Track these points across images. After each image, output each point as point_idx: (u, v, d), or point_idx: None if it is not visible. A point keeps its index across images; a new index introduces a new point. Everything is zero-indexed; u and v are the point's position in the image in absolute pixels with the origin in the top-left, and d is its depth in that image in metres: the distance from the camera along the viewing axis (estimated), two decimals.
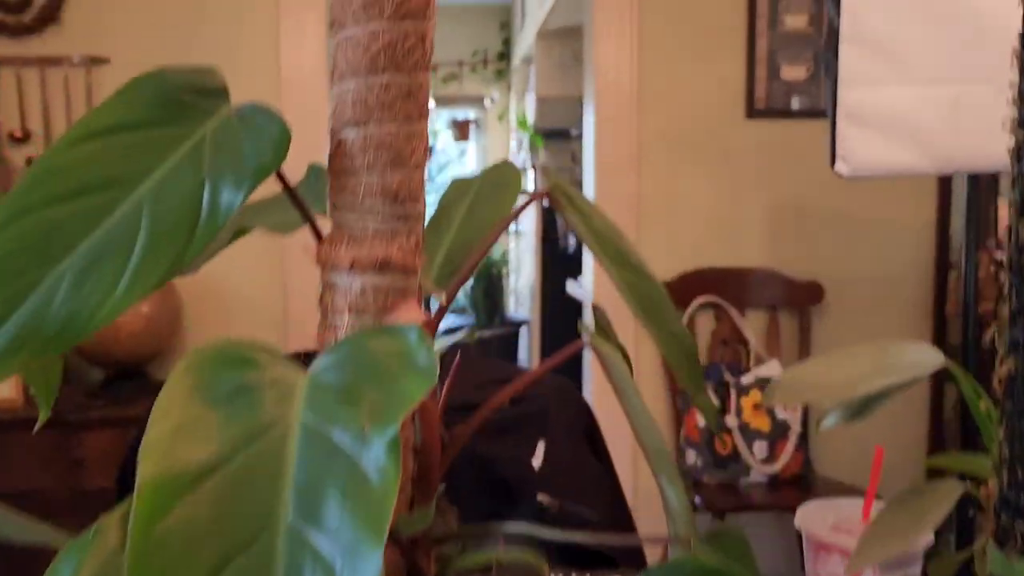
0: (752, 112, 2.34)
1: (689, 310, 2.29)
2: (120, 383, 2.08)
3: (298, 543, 0.30)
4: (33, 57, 2.18)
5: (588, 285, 2.55)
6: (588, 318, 2.74)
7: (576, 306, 3.11)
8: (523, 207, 0.50)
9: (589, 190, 2.51)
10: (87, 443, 2.02)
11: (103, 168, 0.39)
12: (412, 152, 0.40)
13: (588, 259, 2.64)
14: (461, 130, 5.60)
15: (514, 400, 1.06)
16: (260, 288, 2.27)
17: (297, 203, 0.44)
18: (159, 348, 2.11)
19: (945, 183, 2.34)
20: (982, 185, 2.21)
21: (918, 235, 2.40)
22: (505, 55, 5.33)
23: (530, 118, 4.17)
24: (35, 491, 2.00)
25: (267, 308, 2.28)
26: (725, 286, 2.32)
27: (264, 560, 0.29)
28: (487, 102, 5.47)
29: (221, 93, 0.42)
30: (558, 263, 3.96)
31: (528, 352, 4.38)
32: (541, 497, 1.01)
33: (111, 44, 2.19)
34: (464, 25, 5.26)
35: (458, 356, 0.54)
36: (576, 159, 4.40)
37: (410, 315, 0.37)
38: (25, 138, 2.20)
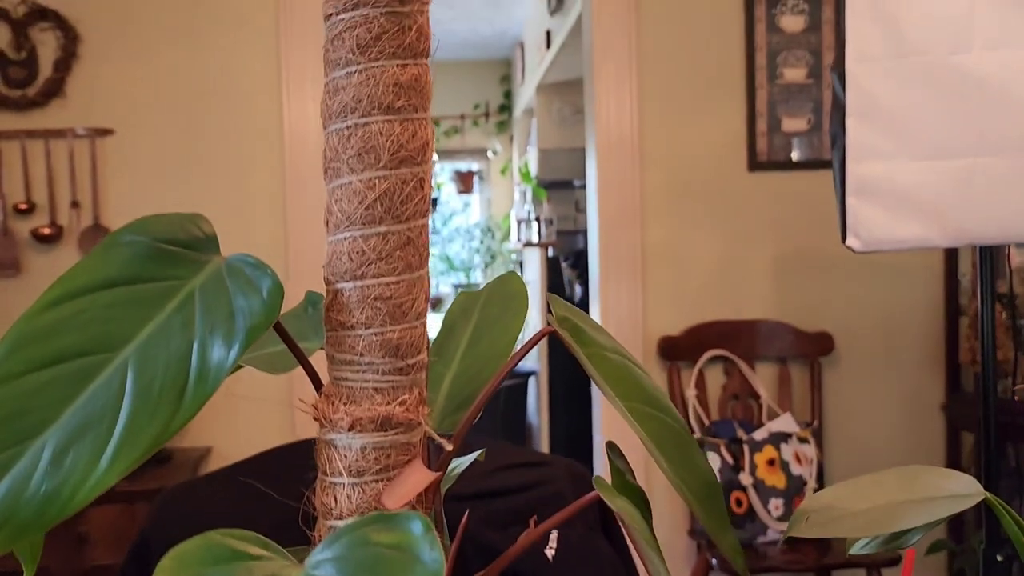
0: (754, 164, 2.34)
1: (699, 365, 2.26)
2: None
3: None
4: (38, 130, 2.19)
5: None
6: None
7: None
8: (529, 346, 0.48)
9: (593, 243, 2.50)
10: (92, 519, 1.99)
11: (84, 330, 0.38)
12: (413, 302, 0.38)
13: (594, 304, 2.61)
14: (465, 182, 5.62)
15: (533, 485, 1.03)
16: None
17: (291, 345, 0.42)
18: None
19: None
20: None
21: (926, 280, 2.38)
22: (507, 107, 5.38)
23: (533, 170, 4.18)
24: (39, 569, 1.96)
25: None
26: (734, 339, 2.30)
27: None
28: (490, 154, 5.50)
29: (210, 242, 0.40)
30: None
31: (536, 402, 4.34)
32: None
33: (115, 116, 2.20)
34: (465, 79, 5.32)
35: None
36: (580, 208, 4.40)
37: (416, 478, 0.35)
38: (30, 209, 2.21)
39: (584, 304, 3.79)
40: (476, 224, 5.90)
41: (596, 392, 2.60)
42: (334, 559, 0.31)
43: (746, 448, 2.09)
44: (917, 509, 0.44)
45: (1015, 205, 0.93)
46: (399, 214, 0.37)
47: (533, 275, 4.29)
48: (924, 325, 2.39)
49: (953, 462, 2.37)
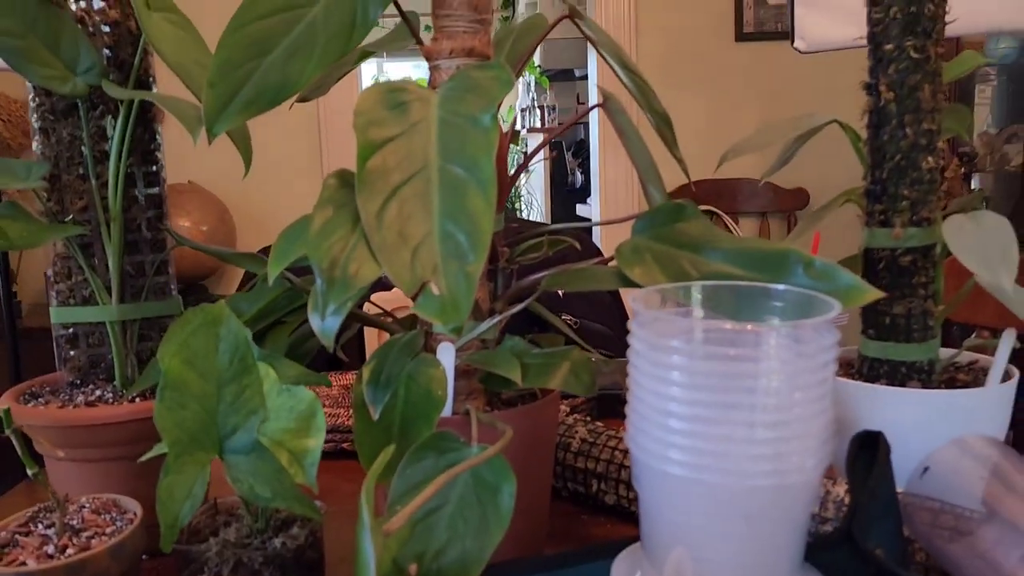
0: (741, 35, 2.56)
1: None
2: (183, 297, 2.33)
3: (444, 169, 0.54)
4: None
5: (596, 204, 2.78)
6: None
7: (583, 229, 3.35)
8: (551, 27, 0.74)
9: (594, 116, 2.74)
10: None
11: None
12: None
13: (595, 190, 2.87)
14: None
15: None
16: (304, 211, 2.51)
17: (411, 30, 0.68)
18: (216, 266, 2.37)
19: None
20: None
21: None
22: (511, 2, 5.51)
23: (536, 60, 4.37)
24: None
25: None
26: (720, 196, 2.56)
27: (427, 177, 0.54)
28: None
29: None
30: (566, 197, 4.19)
31: None
32: (565, 317, 1.27)
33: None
34: None
35: None
36: (581, 100, 4.61)
37: None
38: None
39: (585, 185, 4.04)
40: None
41: None
42: (452, 86, 0.57)
43: None
44: (793, 131, 0.71)
45: None
46: None
47: (537, 163, 4.52)
48: None
49: None
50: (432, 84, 0.67)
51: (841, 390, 0.68)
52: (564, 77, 4.38)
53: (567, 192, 4.23)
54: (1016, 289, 0.58)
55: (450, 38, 0.65)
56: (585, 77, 4.10)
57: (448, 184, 0.54)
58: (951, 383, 0.69)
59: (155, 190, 0.75)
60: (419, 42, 0.70)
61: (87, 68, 0.69)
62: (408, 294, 0.49)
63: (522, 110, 4.50)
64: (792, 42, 1.33)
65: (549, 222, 4.39)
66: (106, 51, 0.72)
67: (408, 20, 0.69)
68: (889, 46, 0.64)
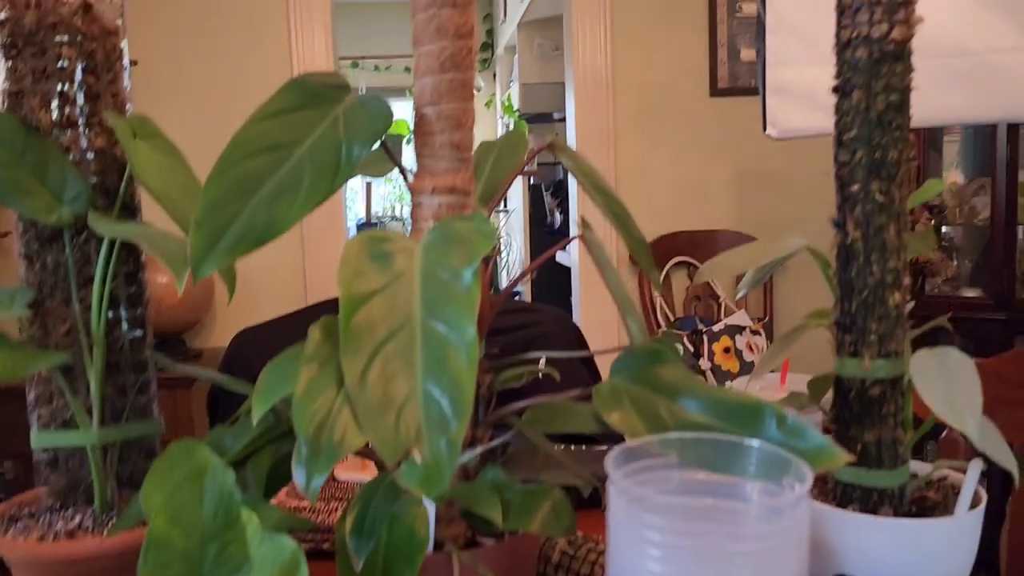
0: (715, 91, 2.61)
1: (665, 269, 2.56)
2: (160, 352, 2.32)
3: (427, 326, 0.55)
4: None
5: (575, 250, 2.81)
6: (580, 228, 3.02)
7: (563, 274, 3.37)
8: (533, 155, 0.76)
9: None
10: None
11: (277, 136, 0.65)
12: (466, 120, 0.65)
13: (574, 230, 2.89)
14: None
15: (524, 326, 1.32)
16: (282, 268, 2.52)
17: (391, 156, 0.70)
18: (194, 320, 2.36)
19: None
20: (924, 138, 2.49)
21: None
22: (489, 45, 5.58)
23: (515, 103, 4.42)
24: None
25: (289, 285, 2.53)
26: (696, 247, 2.60)
27: (411, 333, 0.55)
28: (474, 90, 5.71)
29: (346, 87, 0.67)
30: (545, 238, 4.22)
31: None
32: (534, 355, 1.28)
33: (138, 49, 2.43)
34: None
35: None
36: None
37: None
38: None
39: (564, 227, 4.07)
40: None
41: (576, 305, 2.90)
42: (435, 238, 0.58)
43: (705, 338, 2.40)
44: (767, 257, 0.73)
45: None
46: (458, 67, 0.64)
47: (516, 204, 4.55)
48: None
49: None
50: (414, 218, 0.68)
51: (815, 514, 0.70)
52: (542, 120, 4.43)
53: (547, 232, 4.26)
54: (982, 430, 0.60)
55: (432, 176, 0.66)
56: (563, 119, 4.14)
57: (431, 342, 0.55)
58: (922, 502, 0.71)
59: (138, 311, 0.76)
60: (399, 167, 0.71)
61: (74, 196, 0.70)
62: (391, 463, 0.50)
63: None
64: (764, 129, 1.37)
65: (529, 261, 4.41)
66: (92, 178, 0.72)
67: (389, 149, 0.70)
68: (855, 187, 0.66)
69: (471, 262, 0.57)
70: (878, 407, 0.68)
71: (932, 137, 2.76)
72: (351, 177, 0.66)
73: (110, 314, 0.73)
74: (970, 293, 2.58)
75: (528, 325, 1.31)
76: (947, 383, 0.61)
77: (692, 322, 2.47)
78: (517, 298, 4.63)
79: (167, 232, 0.70)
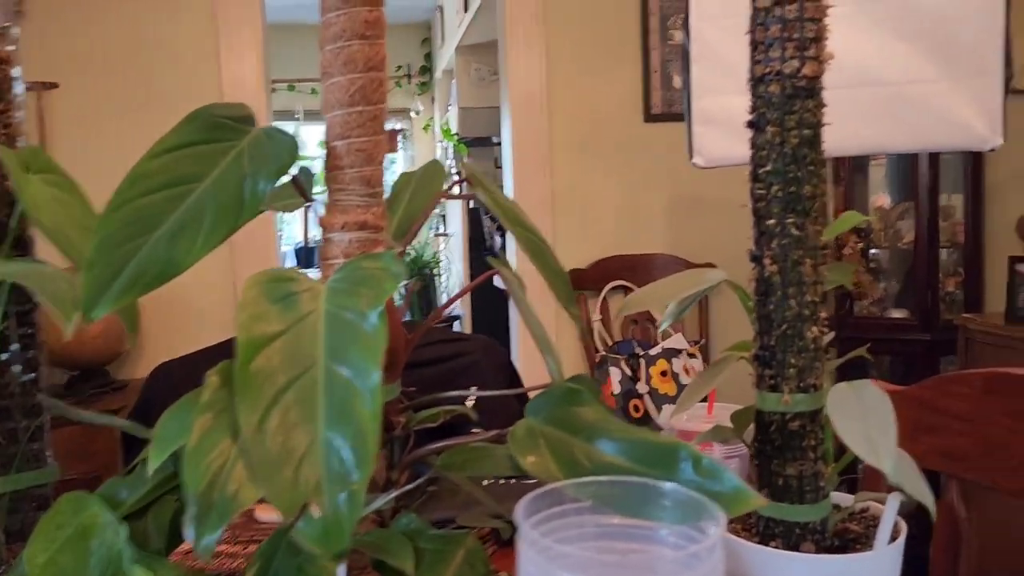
0: (649, 116, 2.63)
1: (603, 293, 2.57)
2: (82, 383, 2.23)
3: (330, 371, 0.53)
4: None
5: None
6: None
7: (502, 299, 3.35)
8: (450, 187, 0.74)
9: (509, 191, 2.77)
10: (53, 440, 2.17)
11: (177, 171, 0.62)
12: (377, 153, 0.63)
13: (511, 254, 2.89)
14: (389, 141, 5.82)
15: (452, 357, 1.29)
16: (212, 293, 2.45)
17: (300, 191, 0.67)
18: (119, 350, 2.28)
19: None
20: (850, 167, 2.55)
21: None
22: (427, 69, 5.58)
23: (454, 127, 4.41)
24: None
25: (218, 312, 2.47)
26: (633, 271, 2.61)
27: (312, 382, 0.53)
28: (412, 114, 5.70)
29: (250, 119, 0.65)
30: (484, 262, 4.21)
31: None
32: (474, 430, 1.26)
33: (60, 71, 2.35)
34: (388, 43, 5.47)
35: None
36: (499, 164, 4.66)
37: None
38: None
39: (503, 250, 4.06)
40: None
41: (515, 330, 2.89)
42: (342, 277, 0.56)
43: (642, 362, 2.41)
44: (691, 290, 0.72)
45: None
46: (368, 99, 0.62)
47: (455, 227, 4.54)
48: None
49: None
50: (323, 255, 0.66)
51: (737, 550, 0.69)
52: (481, 143, 4.43)
53: (486, 255, 4.24)
54: (897, 466, 0.60)
55: (343, 212, 0.64)
56: (501, 143, 4.15)
57: (334, 387, 0.53)
58: (845, 534, 0.71)
59: (30, 353, 0.71)
60: (307, 199, 0.69)
61: None
62: (287, 517, 0.48)
63: None
64: (691, 158, 1.38)
65: (468, 281, 4.39)
66: None
67: (299, 183, 0.68)
68: (771, 221, 0.66)
69: (377, 303, 0.55)
70: (799, 441, 0.68)
71: (859, 162, 2.83)
72: (257, 214, 0.63)
73: (1, 356, 0.69)
74: (897, 314, 2.65)
75: (457, 355, 1.29)
76: (863, 420, 0.61)
77: (630, 345, 2.48)
78: (457, 323, 4.60)
79: (60, 271, 0.66)
